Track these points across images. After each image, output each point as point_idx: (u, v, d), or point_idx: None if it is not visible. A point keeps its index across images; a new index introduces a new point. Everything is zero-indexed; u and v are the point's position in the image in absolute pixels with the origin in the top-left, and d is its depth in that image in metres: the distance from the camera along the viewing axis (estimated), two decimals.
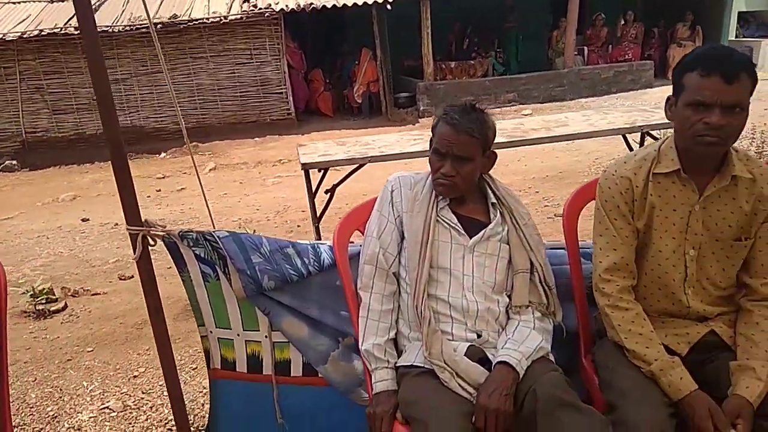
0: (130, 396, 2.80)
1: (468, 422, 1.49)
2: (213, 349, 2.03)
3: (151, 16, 9.88)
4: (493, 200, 1.80)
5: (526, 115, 9.97)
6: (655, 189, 1.62)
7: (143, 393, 2.82)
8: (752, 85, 1.46)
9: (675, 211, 1.61)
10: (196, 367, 2.97)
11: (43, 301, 3.85)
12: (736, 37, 13.50)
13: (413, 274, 1.69)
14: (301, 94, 11.56)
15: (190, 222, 5.78)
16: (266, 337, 1.98)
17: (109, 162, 1.74)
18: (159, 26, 9.84)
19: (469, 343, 1.66)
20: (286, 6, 10.43)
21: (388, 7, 10.38)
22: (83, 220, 6.20)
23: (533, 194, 5.78)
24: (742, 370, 1.51)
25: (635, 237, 1.65)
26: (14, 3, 11.14)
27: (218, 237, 1.83)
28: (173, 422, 2.12)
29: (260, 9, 10.41)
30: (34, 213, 6.85)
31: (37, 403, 2.80)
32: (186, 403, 2.22)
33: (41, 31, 9.90)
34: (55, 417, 2.69)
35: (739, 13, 13.60)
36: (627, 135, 4.52)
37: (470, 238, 1.73)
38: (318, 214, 4.13)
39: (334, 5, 10.56)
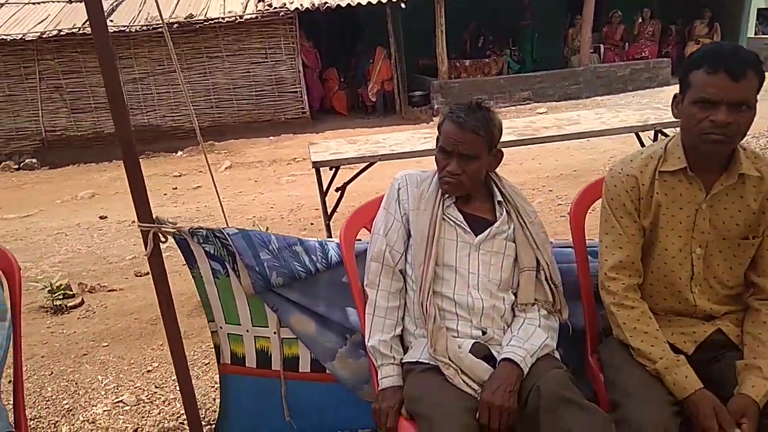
0: (144, 390, 2.84)
1: (472, 418, 1.50)
2: (223, 344, 2.06)
3: (168, 15, 10.06)
4: (500, 198, 1.81)
5: (541, 113, 9.89)
6: (662, 187, 1.61)
7: (156, 387, 2.86)
8: (759, 83, 1.44)
9: (681, 209, 1.60)
10: (209, 363, 3.01)
11: (61, 297, 3.92)
12: (755, 34, 13.30)
13: (419, 271, 1.70)
14: (315, 92, 11.61)
15: (205, 219, 5.84)
16: (275, 333, 2.01)
17: None
18: (175, 26, 9.95)
19: (474, 340, 1.67)
20: (301, 5, 10.49)
21: (403, 5, 10.39)
22: (101, 217, 6.28)
23: (547, 192, 5.74)
24: (748, 369, 1.49)
25: (641, 235, 1.65)
26: (34, 3, 11.31)
27: (227, 234, 1.85)
28: (185, 416, 2.16)
29: (275, 8, 10.48)
30: (53, 210, 6.95)
31: (53, 397, 2.86)
32: (198, 397, 2.26)
33: (60, 31, 10.04)
34: (71, 410, 2.74)
35: (759, 9, 13.42)
36: (640, 133, 4.48)
37: (476, 236, 1.74)
38: (329, 212, 4.16)
39: (349, 4, 10.58)
